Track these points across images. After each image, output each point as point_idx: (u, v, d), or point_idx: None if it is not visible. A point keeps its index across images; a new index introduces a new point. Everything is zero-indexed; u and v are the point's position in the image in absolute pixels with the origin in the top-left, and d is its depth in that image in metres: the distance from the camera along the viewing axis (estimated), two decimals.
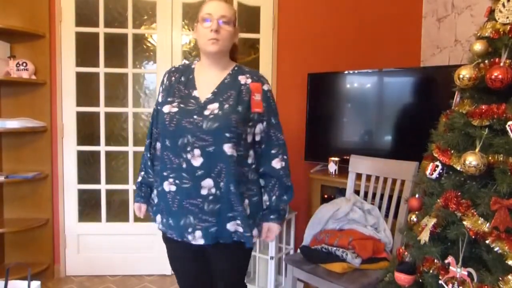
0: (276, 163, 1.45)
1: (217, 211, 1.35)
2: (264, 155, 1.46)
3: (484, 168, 1.18)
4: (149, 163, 1.54)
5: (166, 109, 1.38)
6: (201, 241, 1.37)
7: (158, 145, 1.48)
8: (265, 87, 1.45)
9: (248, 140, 1.41)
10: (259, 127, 1.43)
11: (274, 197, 1.47)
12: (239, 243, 1.40)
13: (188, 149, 1.33)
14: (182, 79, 1.45)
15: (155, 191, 1.48)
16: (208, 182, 1.33)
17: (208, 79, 1.43)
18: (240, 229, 1.38)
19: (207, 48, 1.37)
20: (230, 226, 1.37)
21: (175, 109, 1.36)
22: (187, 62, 1.53)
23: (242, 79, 1.43)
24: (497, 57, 1.26)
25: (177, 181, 1.36)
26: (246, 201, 1.40)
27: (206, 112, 1.35)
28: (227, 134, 1.32)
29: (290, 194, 1.48)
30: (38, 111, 2.76)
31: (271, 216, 1.47)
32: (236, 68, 1.47)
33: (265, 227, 1.48)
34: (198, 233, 1.36)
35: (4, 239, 2.81)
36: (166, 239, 1.50)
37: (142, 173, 1.57)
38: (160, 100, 1.46)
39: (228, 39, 1.39)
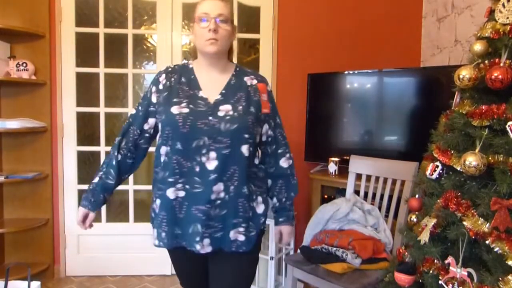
0: (284, 162, 1.45)
1: (222, 216, 1.30)
2: (271, 155, 1.45)
3: (484, 168, 1.18)
4: (114, 164, 1.39)
5: (175, 110, 1.29)
6: (209, 249, 1.30)
7: (163, 149, 1.33)
8: (269, 88, 1.46)
9: (257, 140, 1.40)
10: (265, 127, 1.42)
11: (283, 199, 1.46)
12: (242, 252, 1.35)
13: (203, 151, 1.26)
14: (183, 79, 1.39)
15: (157, 201, 1.35)
16: (218, 187, 1.28)
17: (211, 79, 1.39)
18: (242, 238, 1.32)
19: (206, 49, 1.34)
20: (232, 234, 1.31)
21: (186, 110, 1.29)
22: (180, 63, 1.48)
23: (247, 80, 1.41)
24: (497, 57, 1.26)
25: (187, 186, 1.28)
26: (260, 198, 1.38)
27: (220, 114, 1.30)
28: (246, 135, 1.30)
29: (296, 190, 1.48)
30: (38, 111, 2.76)
31: (281, 219, 1.47)
32: (238, 68, 1.45)
33: (277, 231, 1.48)
34: (207, 241, 1.29)
35: (4, 239, 2.81)
36: (172, 252, 1.43)
37: (101, 173, 1.41)
38: (155, 100, 1.37)
39: (227, 38, 1.36)
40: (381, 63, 2.81)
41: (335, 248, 1.89)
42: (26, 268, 2.08)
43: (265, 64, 2.92)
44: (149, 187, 2.93)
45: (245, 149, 1.30)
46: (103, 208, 2.91)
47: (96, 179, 1.42)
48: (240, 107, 1.32)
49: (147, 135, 1.42)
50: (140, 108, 1.42)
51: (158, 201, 1.34)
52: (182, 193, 1.29)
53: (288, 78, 2.95)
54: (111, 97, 2.92)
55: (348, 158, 2.34)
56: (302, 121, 2.89)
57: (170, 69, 1.45)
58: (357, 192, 2.25)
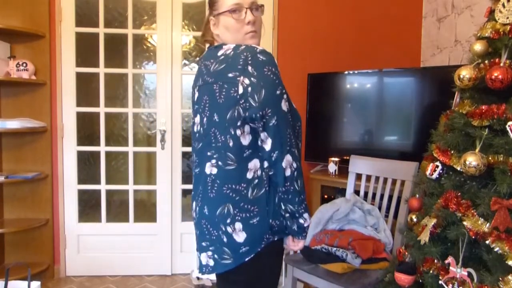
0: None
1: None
2: None
3: (484, 168, 1.18)
4: None
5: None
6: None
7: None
8: None
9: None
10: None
11: None
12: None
13: None
14: None
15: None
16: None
17: None
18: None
19: (247, 43, 1.20)
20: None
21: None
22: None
23: None
24: (497, 57, 1.26)
25: None
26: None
27: None
28: None
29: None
30: (38, 111, 2.76)
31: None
32: None
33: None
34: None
35: (4, 239, 2.81)
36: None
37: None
38: (286, 95, 1.17)
39: (261, 27, 1.26)
40: (381, 63, 2.81)
41: (335, 248, 1.89)
42: (26, 268, 2.09)
43: None
44: (149, 187, 2.99)
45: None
46: (103, 208, 2.92)
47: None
48: None
49: None
50: (290, 108, 1.20)
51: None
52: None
53: (288, 78, 2.94)
54: (111, 97, 2.92)
55: (348, 158, 2.34)
56: (302, 121, 2.89)
57: None
58: (357, 192, 2.25)
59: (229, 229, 1.16)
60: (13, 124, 2.59)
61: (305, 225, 1.20)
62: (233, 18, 1.19)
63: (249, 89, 1.10)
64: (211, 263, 1.20)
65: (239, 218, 1.16)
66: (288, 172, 1.13)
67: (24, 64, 2.63)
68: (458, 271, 1.23)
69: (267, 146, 1.12)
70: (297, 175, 1.15)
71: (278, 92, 1.12)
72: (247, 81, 1.10)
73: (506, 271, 1.11)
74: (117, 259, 2.94)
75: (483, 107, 1.25)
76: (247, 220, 1.16)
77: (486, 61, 1.28)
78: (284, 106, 1.14)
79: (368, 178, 2.23)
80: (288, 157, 1.13)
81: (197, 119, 1.25)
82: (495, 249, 1.13)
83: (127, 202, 2.94)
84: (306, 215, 1.19)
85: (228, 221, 1.16)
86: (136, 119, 2.95)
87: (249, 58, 1.12)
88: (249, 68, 1.11)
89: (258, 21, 1.23)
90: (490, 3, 1.36)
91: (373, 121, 2.65)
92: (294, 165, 1.14)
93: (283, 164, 1.12)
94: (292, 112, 1.20)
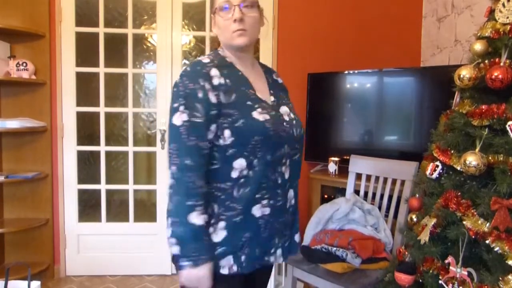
0: None
1: (291, 222, 1.25)
2: None
3: (484, 168, 1.19)
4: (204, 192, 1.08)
5: (258, 115, 1.10)
6: (280, 259, 1.22)
7: (242, 163, 1.10)
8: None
9: None
10: None
11: None
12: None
13: (284, 161, 1.16)
14: (233, 76, 1.16)
15: (223, 224, 1.11)
16: (291, 193, 1.22)
17: (251, 76, 1.21)
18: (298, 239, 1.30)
19: (234, 42, 1.14)
20: (297, 237, 1.29)
21: (267, 116, 1.12)
22: (211, 57, 1.18)
23: (275, 77, 1.35)
24: (497, 57, 1.26)
25: (271, 201, 1.14)
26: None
27: (286, 118, 1.21)
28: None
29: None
30: (38, 111, 2.76)
31: None
32: (260, 64, 1.33)
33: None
34: (279, 251, 1.21)
35: (4, 239, 2.80)
36: (231, 278, 1.12)
37: (200, 209, 1.05)
38: (214, 100, 1.07)
39: (256, 26, 1.18)
40: (381, 63, 2.81)
41: (335, 248, 1.89)
42: (26, 268, 2.08)
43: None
44: (149, 187, 2.99)
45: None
46: (103, 208, 2.92)
47: (200, 221, 1.05)
48: (293, 109, 1.28)
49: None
50: (197, 114, 1.06)
51: (226, 224, 1.10)
52: (267, 210, 1.14)
53: (288, 78, 2.93)
54: (111, 97, 2.92)
55: (348, 158, 2.34)
56: (302, 120, 2.87)
57: (212, 62, 1.15)
58: (357, 192, 2.25)
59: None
60: (13, 124, 2.59)
61: (173, 252, 1.04)
62: (221, 16, 1.15)
63: None
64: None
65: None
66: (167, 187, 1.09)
67: (24, 64, 2.63)
68: (458, 270, 1.23)
69: None
70: (170, 194, 1.07)
71: (175, 104, 1.07)
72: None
73: (506, 270, 1.11)
74: (117, 259, 2.94)
75: (483, 107, 1.25)
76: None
77: (486, 61, 1.28)
78: (177, 119, 1.06)
79: (368, 178, 2.23)
80: (170, 172, 1.08)
81: None
82: (495, 249, 1.14)
83: (127, 202, 2.94)
84: (172, 240, 1.04)
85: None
86: (136, 119, 2.95)
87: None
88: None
89: (250, 20, 1.14)
90: (490, 3, 1.36)
91: (373, 121, 2.65)
92: (170, 181, 1.07)
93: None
94: (240, 124, 1.08)
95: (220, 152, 1.10)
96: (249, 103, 1.13)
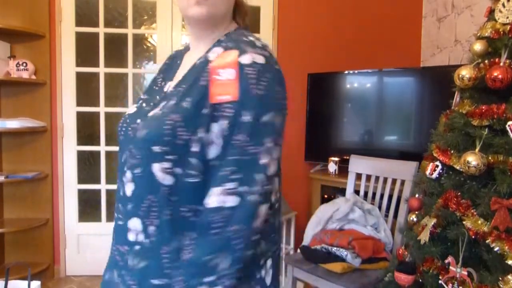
0: (213, 198, 0.73)
1: (140, 270, 0.79)
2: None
3: (484, 168, 1.19)
4: None
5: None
6: None
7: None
8: (244, 59, 0.75)
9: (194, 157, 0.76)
10: (215, 129, 0.75)
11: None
12: None
13: (124, 169, 0.87)
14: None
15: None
16: (134, 223, 0.82)
17: (189, 60, 0.89)
18: None
19: (189, 12, 0.82)
20: None
21: (132, 110, 0.94)
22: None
23: (215, 51, 0.82)
24: (497, 57, 1.26)
25: (115, 214, 0.90)
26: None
27: (151, 114, 0.84)
28: (156, 148, 0.76)
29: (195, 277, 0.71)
30: (38, 111, 2.76)
31: None
32: (225, 35, 0.86)
33: None
34: None
35: (4, 239, 2.80)
36: None
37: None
38: None
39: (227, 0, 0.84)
40: (381, 63, 2.81)
41: (335, 248, 1.89)
42: (26, 268, 2.08)
43: None
44: None
45: (157, 169, 0.76)
46: (103, 208, 2.92)
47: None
48: (172, 102, 0.80)
49: None
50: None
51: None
52: (113, 224, 0.90)
53: (288, 78, 2.93)
54: (111, 97, 2.92)
55: (348, 157, 2.34)
56: (302, 121, 2.89)
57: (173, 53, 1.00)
58: (357, 192, 2.25)
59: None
60: (13, 124, 2.59)
61: None
62: None
63: None
64: None
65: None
66: None
67: (24, 64, 2.63)
68: (458, 270, 1.23)
69: None
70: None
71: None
72: None
73: (506, 270, 1.11)
74: None
75: (483, 107, 1.25)
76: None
77: (486, 61, 1.28)
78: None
79: (368, 177, 2.23)
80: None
81: None
82: (495, 249, 1.14)
83: None
84: None
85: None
86: None
87: None
88: None
89: None
90: (490, 3, 1.36)
91: (373, 121, 2.65)
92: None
93: None
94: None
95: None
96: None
